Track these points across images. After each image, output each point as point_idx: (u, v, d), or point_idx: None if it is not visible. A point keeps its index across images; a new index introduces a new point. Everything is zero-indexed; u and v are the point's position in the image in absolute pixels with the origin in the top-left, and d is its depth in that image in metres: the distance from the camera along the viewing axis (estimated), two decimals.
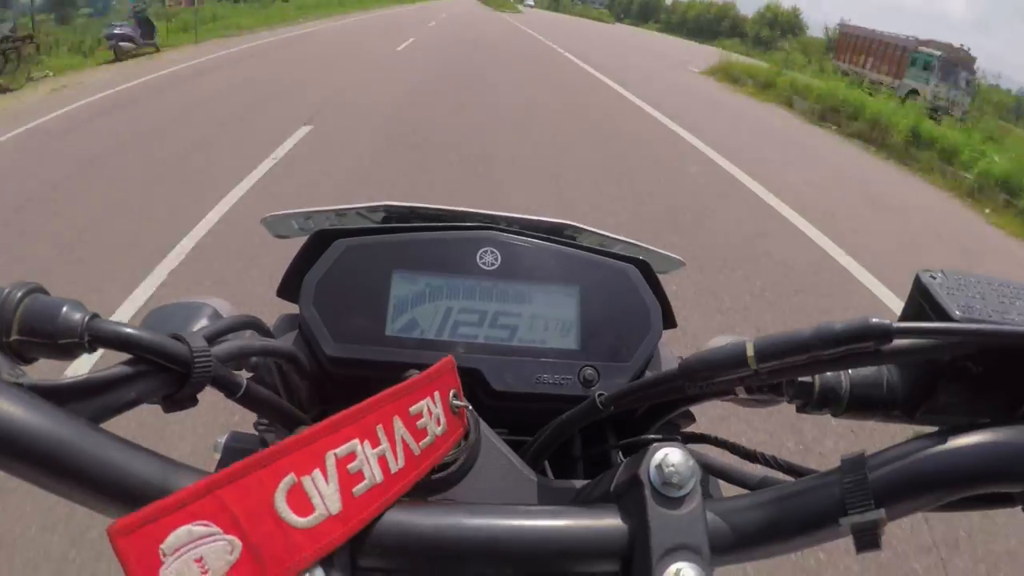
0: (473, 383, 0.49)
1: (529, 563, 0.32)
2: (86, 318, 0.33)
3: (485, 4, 46.18)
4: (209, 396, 0.38)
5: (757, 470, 0.42)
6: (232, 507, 0.26)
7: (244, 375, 0.40)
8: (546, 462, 0.53)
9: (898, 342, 0.31)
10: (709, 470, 0.43)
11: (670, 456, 0.32)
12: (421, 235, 0.53)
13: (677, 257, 0.69)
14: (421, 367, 0.42)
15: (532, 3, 63.10)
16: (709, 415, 2.20)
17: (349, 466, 0.29)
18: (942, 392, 0.35)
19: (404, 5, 34.64)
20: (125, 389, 0.33)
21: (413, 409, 0.34)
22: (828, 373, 0.37)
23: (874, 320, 0.30)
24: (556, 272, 0.53)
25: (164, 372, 0.33)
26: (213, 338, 0.37)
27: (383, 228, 0.56)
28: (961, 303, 0.34)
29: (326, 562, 0.28)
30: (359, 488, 0.29)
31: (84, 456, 0.28)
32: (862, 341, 0.30)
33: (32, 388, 0.30)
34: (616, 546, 0.32)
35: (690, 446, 0.53)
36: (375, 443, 0.31)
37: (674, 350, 0.57)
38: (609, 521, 0.32)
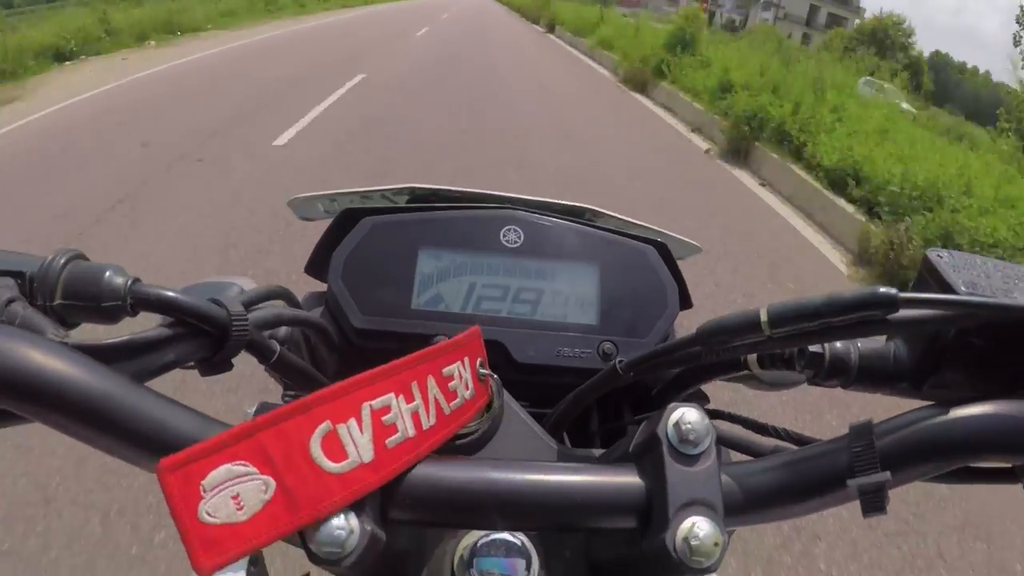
0: (497, 356, 0.51)
1: (551, 516, 0.33)
2: (128, 282, 0.34)
3: None
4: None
5: (768, 442, 0.43)
6: (269, 449, 0.27)
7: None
8: (565, 435, 0.54)
9: (904, 313, 0.32)
10: (723, 442, 0.44)
11: (687, 415, 0.33)
12: (447, 214, 0.55)
13: (694, 243, 0.70)
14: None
15: None
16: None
17: (384, 418, 0.31)
18: (947, 367, 0.36)
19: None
20: (164, 351, 0.34)
21: (446, 371, 0.35)
22: (838, 345, 0.38)
23: (881, 290, 0.31)
24: (577, 250, 0.55)
25: (202, 335, 0.35)
26: (249, 305, 0.38)
27: (409, 207, 0.58)
28: (966, 280, 0.35)
29: (357, 507, 0.29)
30: (392, 440, 0.31)
31: (128, 410, 0.29)
32: (870, 309, 0.31)
33: (77, 347, 0.30)
34: (634, 501, 0.33)
35: None
36: (409, 399, 0.32)
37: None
38: (628, 477, 0.33)
